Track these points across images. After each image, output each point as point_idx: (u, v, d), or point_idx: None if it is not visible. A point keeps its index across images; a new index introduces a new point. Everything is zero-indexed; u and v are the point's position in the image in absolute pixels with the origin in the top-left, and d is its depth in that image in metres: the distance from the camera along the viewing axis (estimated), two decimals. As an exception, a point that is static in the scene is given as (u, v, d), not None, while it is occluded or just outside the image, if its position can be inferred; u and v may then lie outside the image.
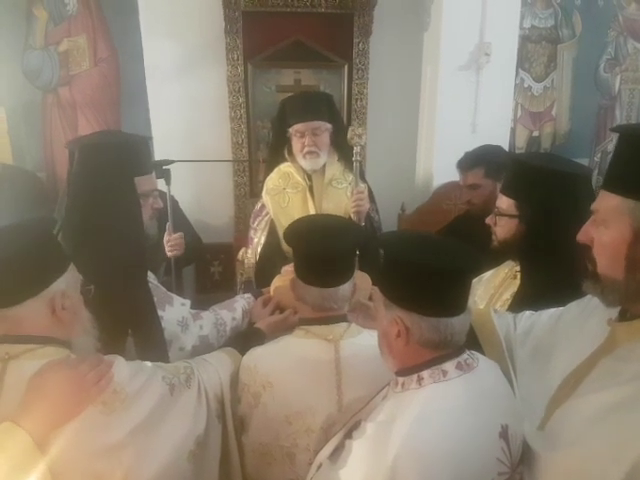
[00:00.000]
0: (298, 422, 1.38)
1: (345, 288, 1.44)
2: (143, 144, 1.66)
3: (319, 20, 3.12)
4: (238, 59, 3.10)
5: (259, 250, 2.39)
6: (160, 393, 1.23)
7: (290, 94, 2.45)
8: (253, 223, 2.47)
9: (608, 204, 1.02)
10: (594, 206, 1.08)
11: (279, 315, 1.79)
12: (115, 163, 1.52)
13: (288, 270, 2.08)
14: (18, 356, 1.13)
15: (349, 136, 2.18)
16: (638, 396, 0.94)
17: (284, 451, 1.41)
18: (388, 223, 2.89)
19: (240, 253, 2.56)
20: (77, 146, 1.55)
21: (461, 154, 2.46)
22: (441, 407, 1.06)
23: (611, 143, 3.98)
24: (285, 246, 2.34)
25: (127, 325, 1.49)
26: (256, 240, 2.41)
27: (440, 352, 1.11)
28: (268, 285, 2.05)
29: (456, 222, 2.51)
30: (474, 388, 1.10)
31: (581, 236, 1.11)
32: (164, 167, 2.09)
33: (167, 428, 1.22)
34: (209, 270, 3.30)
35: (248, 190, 3.31)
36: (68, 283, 1.22)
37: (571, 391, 1.10)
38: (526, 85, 3.62)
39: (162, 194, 1.80)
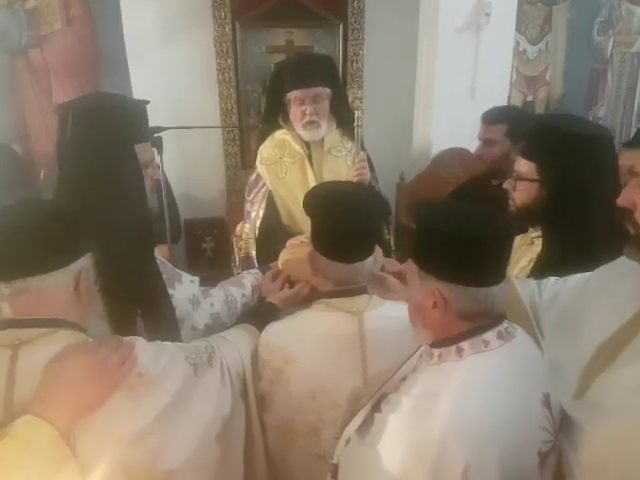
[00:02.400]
0: (323, 397, 1.35)
1: (369, 261, 1.39)
2: (142, 108, 1.54)
3: (313, -25, 2.94)
4: (225, 17, 2.93)
5: (258, 224, 2.29)
6: (184, 374, 1.17)
7: (282, 55, 2.32)
8: (249, 196, 2.35)
9: None
10: (637, 168, 1.04)
11: (291, 289, 1.72)
12: (115, 129, 1.40)
13: (295, 243, 2.02)
14: (30, 341, 1.05)
15: (350, 100, 2.09)
16: None
17: (309, 426, 1.38)
18: (386, 192, 2.82)
19: (238, 227, 2.46)
20: (70, 111, 1.42)
21: (460, 120, 2.41)
22: (486, 378, 1.04)
23: (602, 107, 3.98)
24: (286, 219, 2.27)
25: (137, 306, 1.41)
26: (254, 214, 2.31)
27: (480, 322, 1.07)
28: (270, 260, 1.99)
29: (462, 189, 2.46)
30: (516, 357, 1.08)
31: (622, 200, 1.08)
32: (155, 135, 1.96)
33: (193, 410, 1.16)
34: (200, 246, 3.19)
35: (239, 160, 3.19)
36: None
37: (610, 360, 1.08)
38: (521, 48, 3.56)
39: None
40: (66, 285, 1.10)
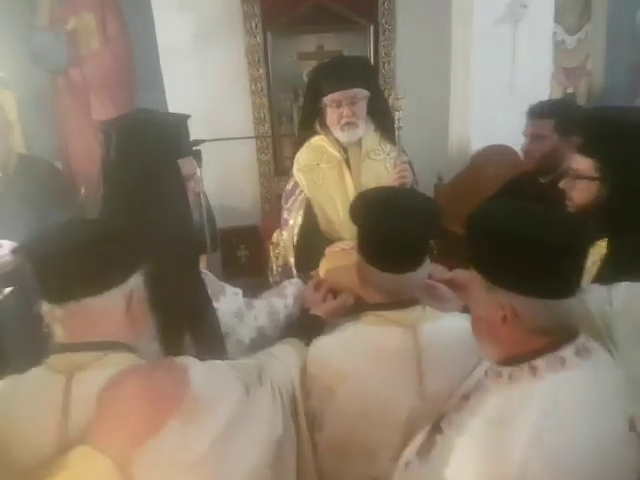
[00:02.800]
0: (377, 416, 1.27)
1: (422, 270, 1.31)
2: (183, 122, 1.54)
3: (341, -22, 2.90)
4: (256, 27, 2.94)
5: (296, 231, 2.24)
6: (237, 395, 1.11)
7: (312, 62, 2.28)
8: (286, 203, 2.31)
9: None
10: None
11: (336, 300, 1.67)
12: (159, 145, 1.41)
13: (334, 251, 1.97)
14: (83, 366, 1.04)
15: (391, 102, 2.03)
16: None
17: (363, 447, 1.30)
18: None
19: (274, 235, 2.42)
20: (114, 128, 1.43)
21: (499, 116, 2.31)
22: (567, 402, 0.94)
23: (649, 98, 3.79)
24: (325, 226, 2.22)
25: (184, 321, 1.38)
26: (291, 221, 2.27)
27: (554, 337, 0.98)
28: (309, 267, 1.97)
29: (508, 188, 2.36)
30: (597, 376, 0.99)
31: None
32: (194, 148, 1.95)
33: (247, 434, 1.11)
34: (235, 254, 3.17)
35: (273, 168, 3.17)
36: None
37: None
38: (559, 39, 3.41)
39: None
40: (118, 305, 1.09)
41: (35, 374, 1.10)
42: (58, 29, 2.97)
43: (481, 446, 0.98)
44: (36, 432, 1.01)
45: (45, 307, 1.09)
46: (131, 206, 1.35)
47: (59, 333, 1.11)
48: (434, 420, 1.17)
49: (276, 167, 3.20)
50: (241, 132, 2.90)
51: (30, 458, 0.98)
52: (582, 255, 0.97)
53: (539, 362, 0.98)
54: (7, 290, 2.24)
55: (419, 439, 1.18)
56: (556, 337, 0.98)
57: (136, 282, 1.13)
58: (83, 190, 3.04)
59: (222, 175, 3.13)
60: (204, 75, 3.07)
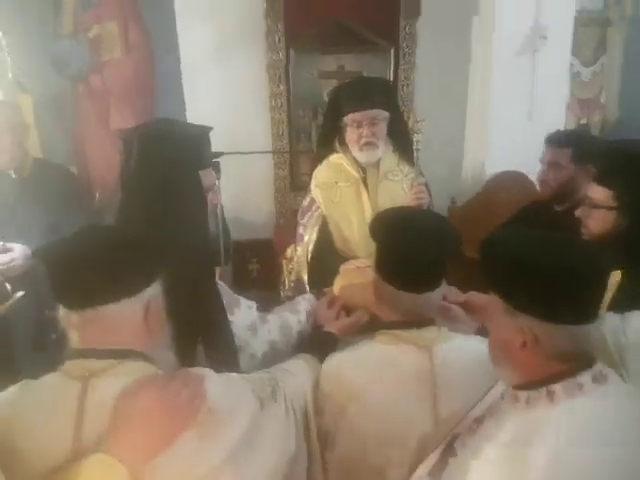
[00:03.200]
0: (390, 436, 1.27)
1: (439, 291, 1.32)
2: (206, 135, 1.55)
3: (364, 1, 2.96)
4: (279, 43, 2.98)
5: (311, 248, 2.25)
6: (252, 409, 1.11)
7: (333, 80, 2.31)
8: (302, 219, 2.33)
9: None
10: None
11: (350, 317, 1.66)
12: (182, 155, 1.42)
13: (349, 268, 1.97)
14: (99, 374, 1.03)
15: (410, 125, 2.05)
16: None
17: (374, 467, 1.29)
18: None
19: (288, 251, 2.44)
20: (136, 137, 1.43)
21: (516, 144, 2.33)
22: (586, 426, 0.94)
23: (662, 132, 3.82)
24: (339, 244, 2.23)
25: (198, 333, 1.38)
26: (307, 237, 2.28)
27: (572, 364, 0.99)
28: (322, 284, 1.96)
29: (523, 214, 2.37)
30: (614, 402, 0.98)
31: None
32: (214, 159, 1.97)
33: (261, 449, 1.10)
34: (247, 268, 3.18)
35: (289, 183, 3.20)
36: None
37: None
38: (575, 70, 3.47)
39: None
40: (136, 314, 1.09)
41: (50, 379, 1.09)
42: (80, 37, 3.01)
43: (497, 470, 0.97)
44: (50, 437, 1.00)
45: (61, 312, 1.09)
46: (150, 215, 1.36)
47: (74, 339, 1.11)
48: (447, 441, 1.17)
49: (292, 182, 3.23)
50: (259, 146, 2.94)
51: (44, 463, 0.98)
52: (602, 282, 0.98)
53: (557, 387, 0.98)
54: (19, 294, 2.24)
55: (431, 460, 1.18)
56: (574, 363, 0.98)
57: (154, 291, 1.12)
58: (97, 196, 3.06)
59: (238, 188, 3.15)
60: (224, 88, 3.11)
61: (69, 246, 1.09)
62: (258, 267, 3.18)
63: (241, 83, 3.11)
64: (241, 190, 3.17)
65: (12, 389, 1.09)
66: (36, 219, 2.43)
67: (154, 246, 1.13)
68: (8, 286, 2.24)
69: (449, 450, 1.15)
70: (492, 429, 1.07)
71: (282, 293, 2.57)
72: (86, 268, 1.02)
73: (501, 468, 0.97)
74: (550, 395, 0.99)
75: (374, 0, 2.99)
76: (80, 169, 3.13)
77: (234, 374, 1.17)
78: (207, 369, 1.09)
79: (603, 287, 0.98)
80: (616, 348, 1.31)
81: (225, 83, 3.10)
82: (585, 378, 0.98)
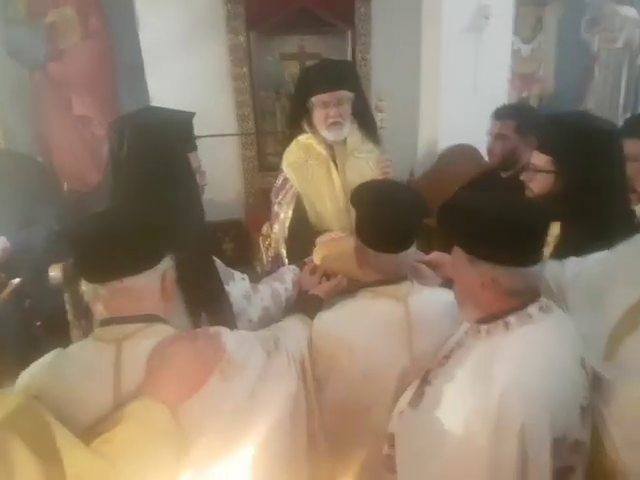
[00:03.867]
0: (375, 377, 1.47)
1: (412, 250, 1.53)
2: (190, 120, 1.66)
3: (322, -15, 3.06)
4: (240, 27, 3.04)
5: (287, 224, 2.38)
6: (261, 358, 1.30)
7: (295, 62, 2.41)
8: (276, 198, 2.44)
9: None
10: None
11: (332, 281, 1.84)
12: (173, 140, 1.52)
13: (326, 240, 2.15)
14: (131, 336, 1.16)
15: (374, 104, 2.22)
16: None
17: (361, 405, 1.49)
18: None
19: (264, 228, 2.57)
20: (127, 126, 1.52)
21: (464, 117, 2.55)
22: (535, 346, 1.17)
23: (591, 101, 4.18)
24: (314, 219, 2.37)
25: (202, 300, 1.52)
26: (282, 215, 2.40)
27: (523, 298, 1.21)
28: (300, 257, 2.10)
29: (474, 182, 2.60)
30: (557, 327, 1.22)
31: None
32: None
33: (270, 390, 1.29)
34: (221, 247, 3.29)
35: (257, 164, 3.30)
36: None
37: (634, 323, 1.22)
38: (516, 47, 3.73)
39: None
40: (155, 284, 1.21)
41: (84, 345, 1.21)
42: (36, 23, 2.93)
43: (468, 388, 1.18)
44: (91, 394, 1.11)
45: (86, 287, 1.20)
46: (148, 198, 1.43)
47: (99, 311, 1.22)
48: (422, 376, 1.38)
49: (260, 163, 3.33)
50: (225, 129, 3.01)
51: (87, 418, 1.07)
52: (543, 231, 1.20)
53: (511, 318, 1.20)
54: (15, 281, 2.29)
55: (410, 392, 1.38)
56: (524, 298, 1.21)
57: (168, 264, 1.25)
58: (66, 186, 3.06)
59: (207, 170, 3.23)
60: (187, 72, 3.14)
61: (92, 227, 1.20)
62: (232, 246, 3.30)
63: (204, 67, 3.16)
64: (209, 172, 3.24)
65: (47, 357, 1.20)
66: (5, 210, 2.45)
67: (163, 224, 1.25)
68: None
69: (425, 382, 1.35)
70: (460, 358, 1.28)
71: (258, 269, 2.72)
72: (112, 245, 1.14)
73: (470, 385, 1.18)
74: (506, 325, 1.21)
75: (331, -16, 3.10)
76: (45, 158, 3.10)
77: (244, 331, 1.34)
78: (222, 327, 1.27)
79: (544, 235, 1.20)
80: (557, 287, 1.54)
81: (187, 67, 3.14)
82: (533, 309, 1.20)
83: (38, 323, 2.63)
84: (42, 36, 2.97)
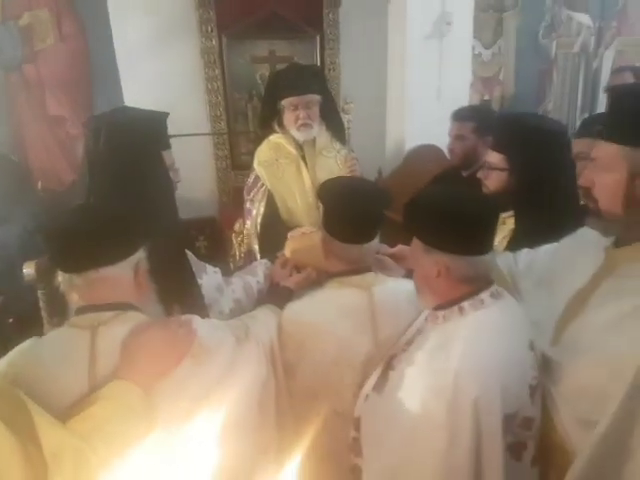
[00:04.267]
0: (342, 362, 1.55)
1: (376, 241, 1.63)
2: (164, 119, 1.72)
3: (291, -9, 3.17)
4: (212, 31, 3.12)
5: (259, 220, 2.47)
6: (231, 344, 1.37)
7: (266, 65, 2.50)
8: (248, 195, 2.53)
9: (608, 151, 1.21)
10: (594, 154, 1.27)
11: (302, 274, 1.92)
12: (146, 138, 1.59)
13: (296, 235, 2.23)
14: (105, 323, 1.22)
15: (341, 106, 2.32)
16: None
17: (330, 389, 1.57)
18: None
19: (236, 225, 2.65)
20: (103, 124, 1.57)
21: (428, 118, 2.67)
22: (486, 329, 1.27)
23: (550, 103, 4.38)
24: (285, 215, 2.46)
25: (174, 291, 1.57)
26: (254, 211, 2.50)
27: (475, 285, 1.31)
28: (272, 251, 2.17)
29: (437, 180, 2.72)
30: (507, 312, 1.32)
31: (582, 181, 1.30)
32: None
33: (240, 376, 1.36)
34: (194, 245, 3.32)
35: (229, 163, 3.36)
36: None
37: (579, 309, 1.31)
38: (477, 52, 3.90)
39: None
40: (128, 274, 1.27)
41: (60, 332, 1.26)
42: (10, 25, 2.97)
43: (426, 368, 1.28)
44: (68, 379, 1.16)
45: (62, 277, 1.26)
46: (124, 193, 1.50)
47: (75, 300, 1.28)
48: (385, 361, 1.46)
49: (233, 162, 3.40)
50: (198, 129, 3.07)
51: (63, 401, 1.12)
52: (492, 223, 1.31)
53: (465, 304, 1.30)
54: None
55: (374, 377, 1.46)
56: (477, 285, 1.30)
57: (141, 255, 1.31)
58: (40, 184, 3.09)
59: (180, 169, 3.28)
60: (161, 74, 3.20)
61: (70, 220, 1.26)
62: (206, 244, 3.34)
63: (177, 69, 3.22)
64: (184, 171, 3.28)
65: (23, 344, 1.24)
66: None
67: (136, 218, 1.31)
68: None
69: (389, 366, 1.43)
70: (420, 342, 1.38)
71: (232, 265, 2.79)
72: (88, 237, 1.20)
73: (428, 365, 1.28)
74: (461, 310, 1.30)
75: (300, -10, 3.21)
76: (20, 157, 3.12)
77: (214, 319, 1.41)
78: (194, 315, 1.34)
79: (492, 226, 1.30)
80: (510, 276, 1.64)
81: (161, 69, 3.19)
82: (485, 295, 1.30)
83: (10, 320, 2.65)
84: (17, 38, 3.01)
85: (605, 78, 4.47)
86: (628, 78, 3.47)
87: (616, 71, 3.94)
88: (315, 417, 1.60)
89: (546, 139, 1.74)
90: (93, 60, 3.15)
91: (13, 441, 0.86)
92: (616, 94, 1.27)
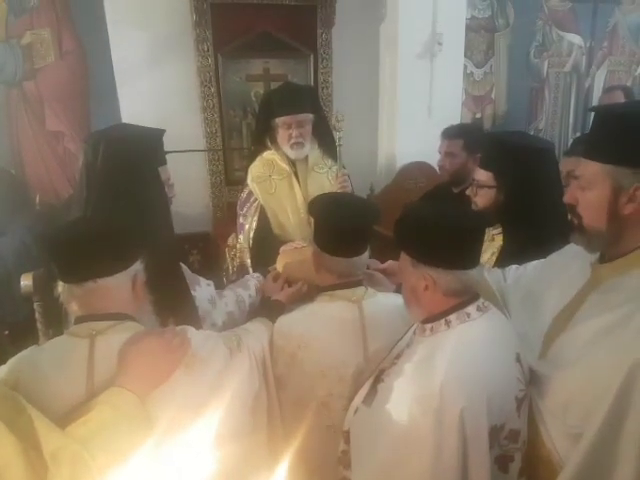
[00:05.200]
0: (332, 374, 1.57)
1: (366, 255, 1.66)
2: (161, 136, 1.77)
3: (285, 12, 3.28)
4: (208, 50, 3.19)
5: (252, 235, 2.51)
6: (224, 355, 1.40)
7: (260, 83, 2.56)
8: (241, 210, 2.58)
9: (591, 170, 1.24)
10: (578, 172, 1.30)
11: (293, 287, 1.95)
12: (144, 154, 1.63)
13: (288, 249, 2.26)
14: (103, 332, 1.25)
15: (332, 124, 2.37)
16: (629, 316, 1.17)
17: (320, 401, 1.59)
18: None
19: (230, 239, 2.68)
20: (102, 140, 1.61)
21: (420, 136, 2.73)
22: (472, 341, 1.29)
23: (542, 121, 4.47)
24: (277, 229, 2.51)
25: (168, 308, 1.59)
26: (247, 226, 2.54)
27: (462, 299, 1.33)
28: (264, 265, 2.21)
29: (428, 196, 2.77)
30: (493, 325, 1.34)
31: (567, 198, 1.33)
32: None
33: (232, 386, 1.38)
34: (188, 259, 3.35)
35: (224, 178, 3.41)
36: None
37: (565, 323, 1.33)
38: (469, 71, 3.99)
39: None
40: (126, 285, 1.31)
41: (59, 341, 1.29)
42: (13, 43, 3.07)
43: (413, 379, 1.29)
44: (66, 386, 1.19)
45: (62, 288, 1.29)
46: (121, 207, 1.53)
47: (74, 309, 1.31)
48: (375, 375, 1.47)
49: (227, 178, 3.46)
50: (193, 145, 3.11)
51: (61, 407, 1.14)
52: (479, 238, 1.34)
53: (452, 317, 1.32)
54: None
55: (364, 390, 1.47)
56: (463, 298, 1.33)
57: (138, 267, 1.35)
58: (38, 198, 3.13)
59: (175, 184, 3.32)
60: (158, 91, 3.27)
61: (70, 232, 1.29)
62: (199, 258, 3.37)
63: (173, 86, 3.28)
64: (179, 186, 3.32)
65: (23, 352, 1.27)
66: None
67: (134, 231, 1.35)
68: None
69: (378, 380, 1.44)
70: (408, 355, 1.39)
71: (225, 279, 2.81)
72: (87, 249, 1.23)
73: (415, 377, 1.29)
74: (447, 323, 1.32)
75: (294, 11, 3.30)
76: (18, 171, 3.18)
77: (208, 331, 1.44)
78: (188, 326, 1.37)
79: (478, 241, 1.33)
80: (499, 292, 1.67)
81: (158, 86, 3.26)
82: (472, 309, 1.32)
83: (6, 332, 2.66)
84: (19, 56, 3.11)
85: (597, 97, 4.57)
86: (619, 97, 3.56)
87: (607, 90, 4.04)
88: (305, 429, 1.64)
89: (532, 156, 1.78)
90: (92, 77, 3.23)
91: (16, 444, 0.88)
92: (599, 114, 1.30)
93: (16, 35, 3.08)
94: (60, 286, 1.29)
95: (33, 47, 3.11)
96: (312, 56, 3.40)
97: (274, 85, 3.11)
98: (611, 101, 3.52)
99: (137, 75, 3.21)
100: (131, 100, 3.23)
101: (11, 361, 1.25)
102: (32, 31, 3.08)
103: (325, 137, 2.51)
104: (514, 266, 1.73)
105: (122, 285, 1.29)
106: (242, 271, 2.54)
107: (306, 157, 2.48)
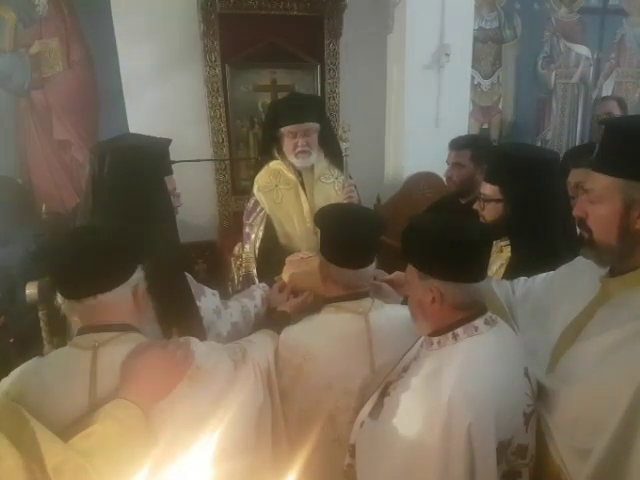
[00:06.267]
0: (338, 387, 1.55)
1: (372, 266, 1.65)
2: (167, 146, 1.77)
3: (292, 23, 3.30)
4: (216, 60, 3.22)
5: (258, 245, 2.51)
6: (228, 367, 1.38)
7: (267, 93, 2.57)
8: (248, 219, 2.57)
9: (602, 183, 1.22)
10: (588, 185, 1.28)
11: (299, 298, 1.95)
12: (150, 164, 1.63)
13: (294, 260, 2.25)
14: (106, 343, 1.23)
15: (339, 134, 2.37)
16: (638, 332, 1.15)
17: (325, 414, 1.57)
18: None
19: (236, 249, 2.68)
20: (108, 150, 1.62)
21: (427, 147, 2.73)
22: (480, 355, 1.27)
23: (549, 132, 4.46)
24: (283, 239, 2.50)
25: (172, 319, 1.59)
26: (253, 235, 2.53)
27: (469, 312, 1.32)
28: (270, 275, 2.20)
29: (435, 208, 2.77)
30: (501, 338, 1.33)
31: (577, 211, 1.31)
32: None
33: (237, 399, 1.36)
34: (193, 268, 3.35)
35: (230, 188, 3.42)
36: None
37: (574, 338, 1.31)
38: (476, 82, 4.00)
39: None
40: (127, 296, 1.29)
41: (62, 352, 1.28)
42: (21, 52, 3.10)
43: (420, 393, 1.28)
44: (69, 398, 1.17)
45: (62, 301, 1.27)
46: (127, 216, 1.48)
47: (76, 321, 1.30)
48: (381, 388, 1.45)
49: (233, 187, 3.47)
50: (200, 155, 3.12)
51: (64, 419, 1.13)
52: (486, 251, 1.33)
53: (459, 330, 1.30)
54: None
55: (370, 404, 1.45)
56: (471, 312, 1.31)
57: (139, 277, 1.32)
58: (44, 207, 3.15)
59: (182, 194, 3.34)
60: (165, 101, 3.29)
61: (67, 248, 1.26)
62: (205, 267, 3.37)
63: (181, 96, 3.30)
64: (185, 196, 3.33)
65: (26, 364, 1.26)
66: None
67: (133, 240, 1.33)
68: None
69: (384, 393, 1.43)
70: (415, 369, 1.38)
71: (230, 289, 2.80)
72: (83, 264, 1.21)
73: (422, 391, 1.27)
74: (455, 336, 1.30)
75: (301, 22, 3.32)
76: (25, 180, 3.20)
77: (213, 342, 1.43)
78: (192, 337, 1.35)
79: (485, 254, 1.32)
80: (507, 305, 1.64)
81: (166, 96, 3.28)
82: (479, 322, 1.31)
83: (11, 340, 2.66)
84: (27, 65, 3.14)
85: (601, 108, 4.56)
86: (613, 107, 3.60)
87: (602, 100, 4.07)
88: (310, 443, 1.62)
89: (537, 168, 1.76)
90: (100, 87, 3.25)
91: (17, 457, 0.87)
92: (610, 127, 1.28)
93: (25, 44, 3.12)
94: (60, 298, 1.27)
95: (41, 56, 3.15)
96: (319, 66, 3.42)
97: (281, 95, 3.12)
98: (605, 110, 3.60)
99: (145, 85, 3.24)
100: (139, 110, 3.25)
101: (14, 373, 1.24)
102: (41, 41, 3.12)
103: (332, 147, 2.50)
104: (523, 278, 1.71)
105: (123, 297, 1.28)
106: (248, 281, 2.53)
107: (312, 167, 2.48)
